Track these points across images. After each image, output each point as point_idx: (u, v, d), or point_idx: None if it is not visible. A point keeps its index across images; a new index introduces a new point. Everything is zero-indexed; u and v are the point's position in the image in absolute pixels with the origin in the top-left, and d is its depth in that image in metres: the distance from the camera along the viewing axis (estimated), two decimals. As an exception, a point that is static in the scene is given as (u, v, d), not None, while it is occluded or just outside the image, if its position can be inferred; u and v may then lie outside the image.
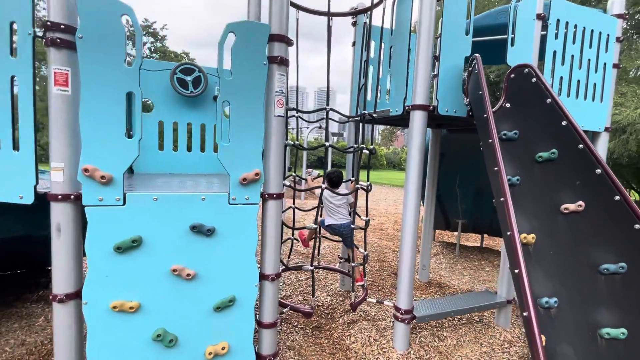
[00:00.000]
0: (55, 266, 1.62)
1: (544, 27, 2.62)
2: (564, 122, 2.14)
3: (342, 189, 2.90)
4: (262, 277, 2.00)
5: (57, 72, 1.54)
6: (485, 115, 2.03)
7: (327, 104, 2.84)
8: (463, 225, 5.06)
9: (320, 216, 3.14)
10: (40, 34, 1.57)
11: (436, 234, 6.16)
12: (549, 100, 2.20)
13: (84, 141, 1.55)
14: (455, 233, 5.78)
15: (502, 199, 1.74)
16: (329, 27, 2.76)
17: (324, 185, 2.28)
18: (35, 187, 1.65)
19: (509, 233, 1.65)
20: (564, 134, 2.14)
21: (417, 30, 2.24)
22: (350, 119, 3.13)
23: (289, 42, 1.91)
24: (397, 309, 2.42)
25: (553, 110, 2.19)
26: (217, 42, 1.70)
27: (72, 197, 1.60)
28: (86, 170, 1.55)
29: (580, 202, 2.03)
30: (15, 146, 1.66)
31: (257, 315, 2.07)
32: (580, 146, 2.07)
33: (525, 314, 1.44)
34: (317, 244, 2.59)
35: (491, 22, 3.47)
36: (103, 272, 1.64)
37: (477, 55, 2.23)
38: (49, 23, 1.51)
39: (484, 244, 5.70)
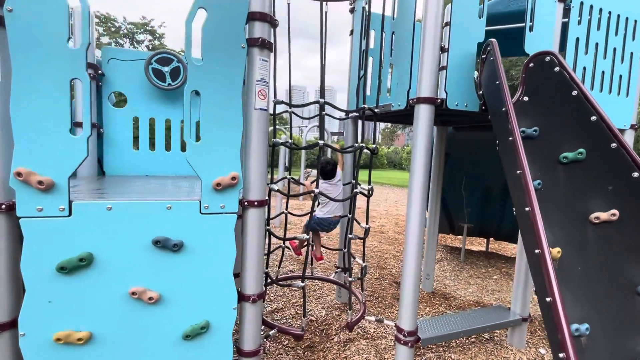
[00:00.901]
0: (-15, 291, 1.33)
1: (566, 14, 2.32)
2: (594, 118, 1.84)
3: (339, 177, 2.66)
4: (242, 297, 1.71)
5: (-18, 53, 1.25)
6: (504, 109, 1.73)
7: (322, 97, 2.56)
8: (469, 229, 4.76)
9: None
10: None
11: (439, 238, 5.87)
12: (575, 92, 1.91)
13: (16, 139, 1.27)
14: (460, 237, 5.49)
15: (527, 209, 1.44)
16: (323, 13, 2.49)
17: (317, 190, 1.99)
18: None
19: (537, 251, 1.36)
20: (593, 131, 1.85)
21: (424, 12, 1.95)
22: (350, 115, 2.84)
23: (273, 23, 1.62)
24: (399, 329, 2.13)
25: (580, 103, 1.89)
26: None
27: (4, 206, 1.32)
28: (19, 174, 1.26)
29: (614, 211, 1.73)
30: None
31: (238, 342, 1.78)
32: (613, 145, 1.78)
33: (562, 355, 1.15)
34: (307, 251, 2.31)
35: (502, 9, 3.18)
36: (44, 297, 1.36)
37: (493, 40, 1.93)
38: (-31, -8, 1.22)
39: (489, 248, 5.40)
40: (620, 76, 2.55)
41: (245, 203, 1.65)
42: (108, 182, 2.20)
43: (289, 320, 2.86)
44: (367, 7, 2.58)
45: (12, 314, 1.37)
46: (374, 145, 2.30)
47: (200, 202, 1.53)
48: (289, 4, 2.56)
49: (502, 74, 1.81)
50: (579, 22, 2.34)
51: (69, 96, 1.33)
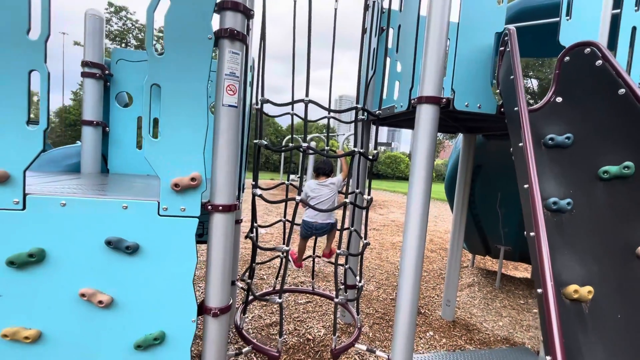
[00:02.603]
0: (-58, 279, 1.34)
1: (616, 4, 1.90)
2: (647, 123, 1.44)
3: (332, 180, 2.55)
4: (204, 310, 1.57)
5: (-51, 45, 1.27)
6: (516, 109, 1.42)
7: (329, 106, 2.39)
8: (507, 252, 4.21)
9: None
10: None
11: (477, 259, 5.31)
12: (622, 90, 1.52)
13: (-29, 129, 1.27)
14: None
15: (532, 234, 1.13)
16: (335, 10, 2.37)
17: (298, 198, 1.81)
18: None
19: (539, 291, 1.04)
20: (645, 140, 1.45)
21: (428, -2, 1.69)
22: (359, 118, 2.63)
23: (247, 13, 1.50)
24: (391, 364, 1.85)
25: (628, 105, 1.50)
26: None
27: (-39, 197, 1.32)
28: (-27, 164, 1.26)
29: (671, 244, 1.32)
30: None
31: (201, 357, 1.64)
32: (673, 158, 1.37)
33: None
34: (281, 265, 2.13)
35: (546, 0, 2.76)
36: (-6, 291, 1.34)
37: (511, 28, 1.62)
38: None
39: (534, 276, 4.74)
40: (698, 74, 2.03)
41: (210, 207, 1.52)
42: (113, 180, 2.22)
43: (285, 336, 2.67)
44: (378, 2, 2.38)
45: (-34, 305, 1.37)
46: (375, 151, 2.06)
47: (159, 203, 1.43)
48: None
49: (518, 68, 1.49)
50: (637, 8, 1.91)
51: (28, 88, 1.31)
